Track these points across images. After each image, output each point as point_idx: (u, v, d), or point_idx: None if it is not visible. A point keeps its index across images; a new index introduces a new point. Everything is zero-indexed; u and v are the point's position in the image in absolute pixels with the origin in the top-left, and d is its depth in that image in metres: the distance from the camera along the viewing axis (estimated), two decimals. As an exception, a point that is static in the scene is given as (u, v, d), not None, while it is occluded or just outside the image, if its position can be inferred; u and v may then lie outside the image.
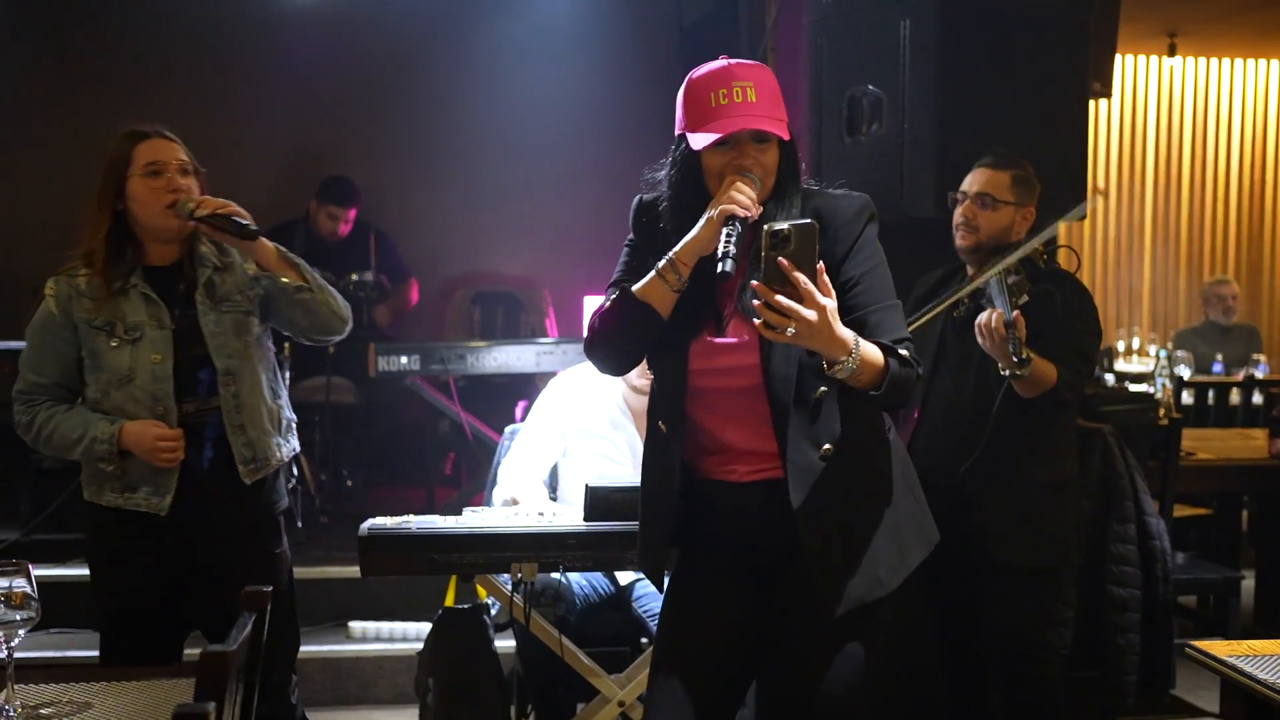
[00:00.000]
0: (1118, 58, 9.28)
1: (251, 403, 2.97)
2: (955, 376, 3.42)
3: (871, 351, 2.24)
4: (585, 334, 2.44)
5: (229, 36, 6.90)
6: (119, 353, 2.89)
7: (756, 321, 2.17)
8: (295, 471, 5.67)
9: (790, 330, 2.13)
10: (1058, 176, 4.13)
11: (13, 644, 2.04)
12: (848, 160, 4.29)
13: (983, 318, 3.16)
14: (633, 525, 2.67)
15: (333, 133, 6.96)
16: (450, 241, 7.23)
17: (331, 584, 4.79)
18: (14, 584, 2.04)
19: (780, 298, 2.12)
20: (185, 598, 3.00)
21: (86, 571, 3.08)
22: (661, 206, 2.42)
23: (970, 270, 3.46)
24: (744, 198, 2.25)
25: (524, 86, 7.11)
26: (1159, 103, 9.62)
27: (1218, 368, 7.28)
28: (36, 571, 2.08)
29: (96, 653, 3.08)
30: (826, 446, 2.35)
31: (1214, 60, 9.62)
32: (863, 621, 2.39)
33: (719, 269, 2.19)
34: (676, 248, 2.31)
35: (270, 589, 2.24)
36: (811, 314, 2.12)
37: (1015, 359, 3.08)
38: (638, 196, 2.48)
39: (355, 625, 4.69)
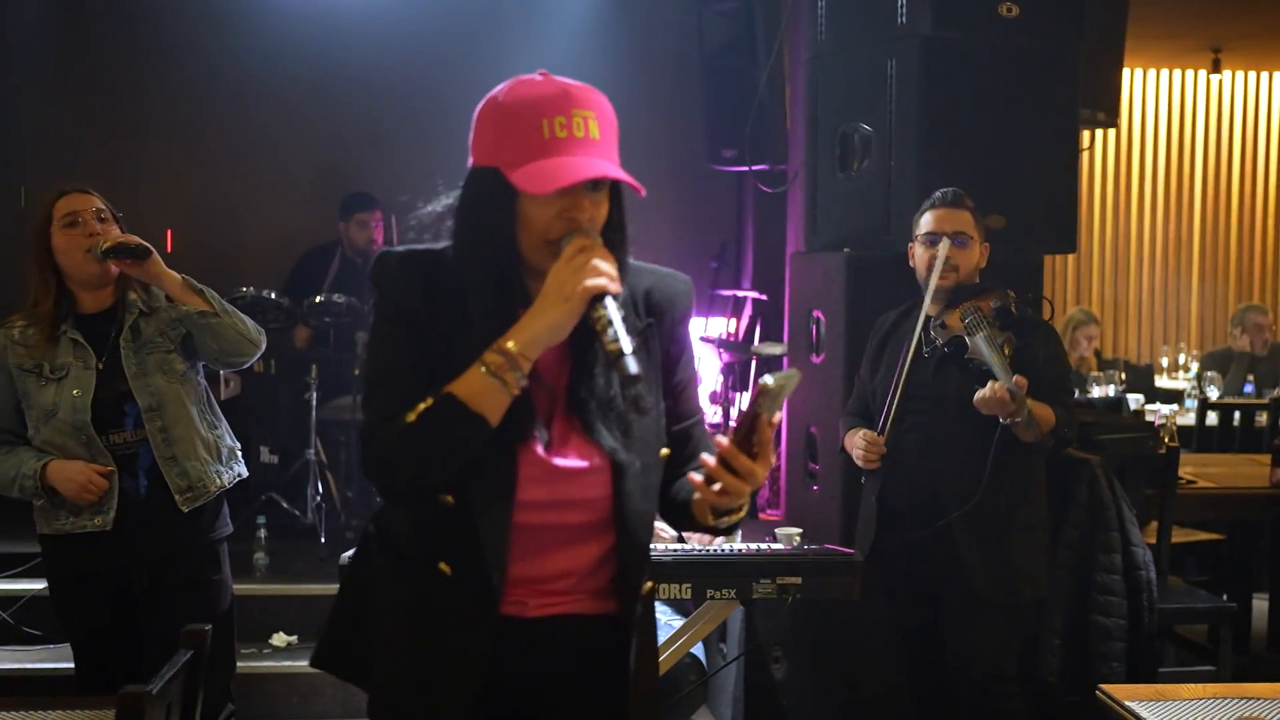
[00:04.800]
0: (1164, 74, 9.27)
1: (182, 435, 3.16)
2: (932, 417, 3.50)
3: None
4: (373, 453, 1.81)
5: (244, 61, 6.91)
6: (45, 390, 3.10)
7: (696, 491, 1.79)
8: (320, 488, 5.85)
9: (742, 501, 1.77)
10: (1045, 213, 4.21)
11: None
12: (840, 197, 4.38)
13: (984, 394, 3.29)
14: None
15: (355, 155, 7.04)
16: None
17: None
18: None
19: (747, 461, 1.73)
20: (136, 620, 3.22)
21: None
22: (455, 267, 1.83)
23: (932, 308, 3.54)
24: (610, 268, 1.76)
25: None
26: (1206, 119, 9.53)
27: (1249, 388, 7.22)
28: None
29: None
30: (649, 584, 1.99)
31: (1262, 74, 9.51)
32: None
33: (627, 368, 1.69)
34: (516, 335, 1.75)
35: (209, 623, 2.38)
36: (763, 477, 1.75)
37: (1020, 418, 3.24)
38: (382, 251, 1.87)
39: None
